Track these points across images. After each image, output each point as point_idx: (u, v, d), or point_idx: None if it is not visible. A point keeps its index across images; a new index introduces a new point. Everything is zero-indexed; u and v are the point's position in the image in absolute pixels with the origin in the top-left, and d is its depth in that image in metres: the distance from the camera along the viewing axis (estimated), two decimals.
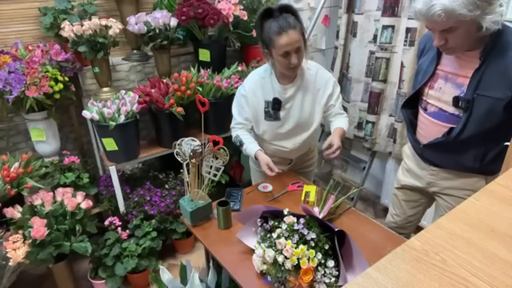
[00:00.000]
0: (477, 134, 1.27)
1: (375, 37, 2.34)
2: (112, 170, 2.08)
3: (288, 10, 1.48)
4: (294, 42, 1.46)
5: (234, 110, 1.78)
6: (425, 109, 1.43)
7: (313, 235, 1.20)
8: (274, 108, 1.67)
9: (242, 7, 2.35)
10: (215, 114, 2.27)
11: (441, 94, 1.35)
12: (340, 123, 1.72)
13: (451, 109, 1.32)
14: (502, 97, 1.19)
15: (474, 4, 1.09)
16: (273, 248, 1.23)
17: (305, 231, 1.21)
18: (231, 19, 2.27)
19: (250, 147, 1.72)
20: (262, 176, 1.92)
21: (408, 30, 2.09)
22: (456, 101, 1.29)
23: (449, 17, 1.12)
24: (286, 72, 1.60)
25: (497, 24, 1.15)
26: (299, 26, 1.47)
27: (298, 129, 1.74)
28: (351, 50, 2.53)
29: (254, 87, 1.69)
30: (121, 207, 2.19)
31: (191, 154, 1.49)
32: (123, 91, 2.08)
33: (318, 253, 1.18)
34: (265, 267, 1.26)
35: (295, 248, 1.18)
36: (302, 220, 1.26)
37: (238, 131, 1.77)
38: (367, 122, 2.50)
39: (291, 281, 1.19)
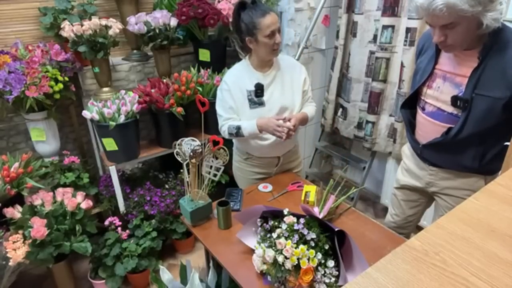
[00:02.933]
0: (476, 134, 1.27)
1: (375, 37, 2.34)
2: (112, 170, 2.08)
3: (257, 1, 1.65)
4: (276, 22, 1.61)
5: (219, 109, 1.78)
6: (423, 109, 1.43)
7: (313, 235, 1.20)
8: (257, 94, 1.71)
9: None
10: (215, 114, 2.26)
11: (440, 94, 1.35)
12: (306, 109, 1.82)
13: (450, 109, 1.32)
14: (501, 96, 1.19)
15: (476, 0, 1.09)
16: (273, 248, 1.23)
17: (305, 231, 1.21)
18: (231, 19, 2.27)
19: (247, 123, 1.70)
20: (248, 183, 1.92)
21: (408, 30, 2.09)
22: (454, 100, 1.29)
23: (450, 12, 1.12)
24: (269, 55, 1.69)
25: (497, 22, 1.14)
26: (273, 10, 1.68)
27: (283, 113, 1.76)
28: (351, 50, 2.53)
29: (234, 79, 1.74)
30: (121, 207, 2.19)
31: (191, 154, 1.49)
32: (123, 91, 2.08)
33: (318, 253, 1.18)
34: (265, 267, 1.26)
35: (295, 248, 1.18)
36: (302, 220, 1.26)
37: (229, 122, 1.75)
38: (367, 122, 2.50)
39: (291, 281, 1.20)
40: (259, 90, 1.71)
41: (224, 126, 1.77)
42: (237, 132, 1.72)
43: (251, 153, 1.86)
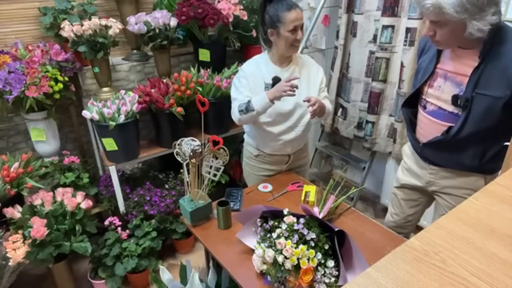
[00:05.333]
0: (476, 133, 1.28)
1: (375, 37, 2.34)
2: (112, 170, 2.08)
3: None
4: (301, 18, 1.62)
5: (234, 93, 1.76)
6: (424, 108, 1.44)
7: (313, 235, 1.20)
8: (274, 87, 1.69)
9: (242, 7, 2.35)
10: (215, 114, 2.27)
11: (441, 93, 1.35)
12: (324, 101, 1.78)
13: (450, 108, 1.33)
14: (501, 96, 1.20)
15: (462, 7, 1.11)
16: (273, 248, 1.23)
17: (305, 231, 1.21)
18: (231, 19, 2.27)
19: (258, 97, 1.63)
20: (257, 180, 1.92)
21: (408, 30, 2.09)
22: (455, 99, 1.30)
23: (436, 12, 1.15)
24: (288, 50, 1.68)
25: (481, 33, 1.15)
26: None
27: (297, 111, 1.75)
28: (351, 50, 2.53)
29: (252, 70, 1.74)
30: (121, 207, 2.19)
31: (191, 154, 1.49)
32: (123, 91, 2.08)
33: (318, 253, 1.18)
34: (265, 267, 1.26)
35: (295, 248, 1.18)
36: (302, 220, 1.26)
37: (239, 104, 1.70)
38: (367, 122, 2.50)
39: (291, 281, 1.19)
40: (276, 83, 1.68)
41: (237, 108, 1.71)
42: (247, 106, 1.64)
43: (262, 150, 1.86)
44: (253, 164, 1.93)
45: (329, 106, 1.80)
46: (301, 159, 1.98)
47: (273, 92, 1.59)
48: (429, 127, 1.41)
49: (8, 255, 1.62)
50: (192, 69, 2.30)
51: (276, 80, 1.69)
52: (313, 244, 1.20)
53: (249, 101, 1.66)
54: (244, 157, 2.00)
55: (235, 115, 1.73)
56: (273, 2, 1.63)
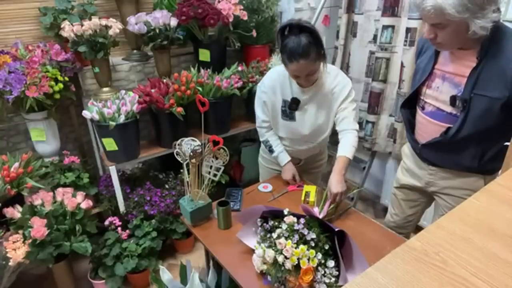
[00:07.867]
0: (475, 134, 1.27)
1: (375, 37, 2.34)
2: (112, 170, 2.08)
3: (306, 29, 1.44)
4: (303, 70, 1.48)
5: (257, 109, 1.79)
6: (423, 109, 1.43)
7: (313, 235, 1.20)
8: (291, 108, 1.68)
9: (242, 7, 2.35)
10: (215, 114, 2.27)
11: (439, 94, 1.35)
12: (345, 146, 1.63)
13: (449, 109, 1.32)
14: (499, 96, 1.19)
15: (464, 6, 1.10)
16: (273, 248, 1.23)
17: (305, 231, 1.21)
18: (231, 19, 2.27)
19: (282, 156, 1.82)
20: (269, 174, 1.96)
21: (408, 30, 2.09)
22: (453, 100, 1.29)
23: (437, 14, 1.14)
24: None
25: (484, 30, 1.15)
26: (313, 52, 1.44)
27: (313, 133, 1.75)
28: (351, 50, 2.53)
29: (273, 84, 1.69)
30: (121, 207, 2.19)
31: (191, 154, 1.49)
32: (123, 91, 2.08)
33: (318, 253, 1.18)
34: (265, 267, 1.26)
35: (295, 248, 1.18)
36: (302, 220, 1.26)
37: (267, 135, 1.82)
38: (367, 122, 2.50)
39: (291, 281, 1.20)
40: (294, 104, 1.66)
41: (262, 132, 1.84)
42: (269, 150, 1.85)
43: None
44: (267, 158, 1.96)
45: (352, 146, 1.63)
46: (315, 162, 2.01)
47: (286, 167, 1.83)
48: (428, 128, 1.41)
49: (8, 255, 1.62)
50: (192, 69, 2.30)
51: (294, 101, 1.65)
52: (313, 244, 1.20)
53: (272, 151, 1.83)
54: (260, 150, 2.04)
55: (261, 137, 1.87)
56: (288, 35, 1.44)
